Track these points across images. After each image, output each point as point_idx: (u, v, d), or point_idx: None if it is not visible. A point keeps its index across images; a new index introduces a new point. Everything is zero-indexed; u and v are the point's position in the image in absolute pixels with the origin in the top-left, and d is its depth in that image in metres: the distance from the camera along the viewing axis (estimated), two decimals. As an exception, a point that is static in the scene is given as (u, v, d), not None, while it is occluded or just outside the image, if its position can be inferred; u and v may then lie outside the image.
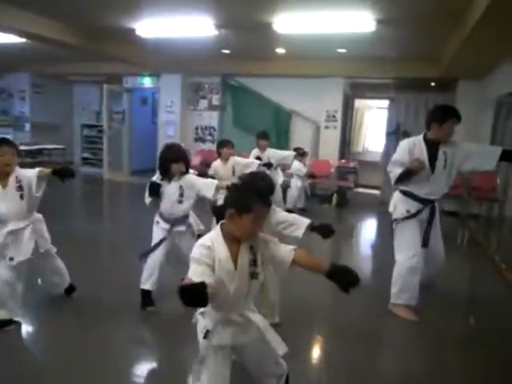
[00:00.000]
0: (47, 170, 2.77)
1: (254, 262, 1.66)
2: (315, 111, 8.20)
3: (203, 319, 1.72)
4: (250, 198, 1.59)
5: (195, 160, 7.90)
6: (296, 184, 6.78)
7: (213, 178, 3.57)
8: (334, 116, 8.12)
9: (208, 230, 1.72)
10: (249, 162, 4.59)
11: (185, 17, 5.23)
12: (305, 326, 2.99)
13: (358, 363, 2.59)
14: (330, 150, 8.16)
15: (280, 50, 7.02)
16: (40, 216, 2.88)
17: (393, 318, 3.15)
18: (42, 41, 6.12)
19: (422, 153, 3.05)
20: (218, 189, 2.94)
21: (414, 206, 3.13)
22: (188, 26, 5.54)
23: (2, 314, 2.68)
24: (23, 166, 2.80)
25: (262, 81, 8.47)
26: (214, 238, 1.64)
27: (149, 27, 5.76)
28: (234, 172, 4.29)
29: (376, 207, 7.54)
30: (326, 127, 8.18)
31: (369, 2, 4.26)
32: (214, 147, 8.88)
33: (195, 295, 1.36)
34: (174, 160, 2.93)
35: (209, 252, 1.58)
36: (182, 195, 2.98)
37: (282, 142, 8.21)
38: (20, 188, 2.67)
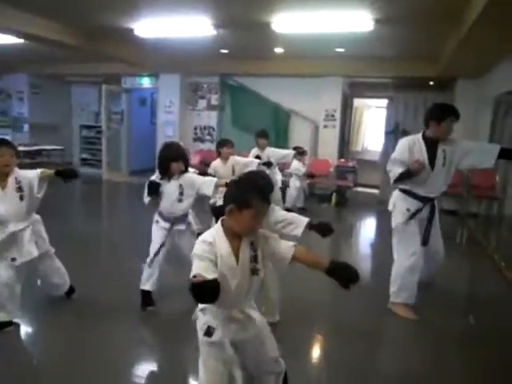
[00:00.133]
0: (49, 171, 2.77)
1: (254, 258, 1.67)
2: (314, 111, 8.21)
3: (203, 316, 1.72)
4: (249, 193, 1.59)
5: (194, 160, 7.91)
6: (295, 183, 6.79)
7: (213, 176, 3.57)
8: (332, 115, 8.12)
9: (207, 229, 1.72)
10: (248, 162, 4.59)
11: (183, 17, 5.22)
12: (304, 325, 2.99)
13: (357, 362, 2.59)
14: (328, 149, 8.16)
15: (278, 50, 7.02)
16: (38, 217, 2.88)
17: (392, 316, 3.16)
18: (40, 41, 6.11)
19: (422, 151, 3.05)
20: (217, 186, 2.94)
21: (413, 205, 3.13)
22: (186, 26, 5.54)
23: (1, 316, 2.68)
24: (22, 166, 2.80)
25: (261, 80, 8.47)
26: (215, 233, 1.64)
27: (147, 27, 5.75)
28: (233, 171, 4.29)
29: (375, 206, 7.54)
30: (325, 126, 8.19)
31: (367, 1, 4.26)
32: (213, 147, 8.91)
33: (207, 291, 1.41)
34: (173, 159, 2.93)
35: (211, 248, 1.59)
36: (181, 194, 2.98)
37: (281, 142, 8.20)
38: (20, 189, 2.67)
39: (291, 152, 5.51)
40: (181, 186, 2.97)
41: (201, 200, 3.14)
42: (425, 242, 3.16)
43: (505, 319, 3.30)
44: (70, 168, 2.94)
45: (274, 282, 2.76)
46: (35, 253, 2.74)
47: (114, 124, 10.02)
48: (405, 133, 6.85)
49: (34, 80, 10.53)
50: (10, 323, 2.71)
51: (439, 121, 2.99)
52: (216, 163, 4.44)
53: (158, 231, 3.05)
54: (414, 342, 2.92)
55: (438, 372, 2.51)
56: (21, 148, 7.87)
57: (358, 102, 9.63)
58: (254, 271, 1.67)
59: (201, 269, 1.51)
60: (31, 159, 8.70)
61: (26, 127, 10.57)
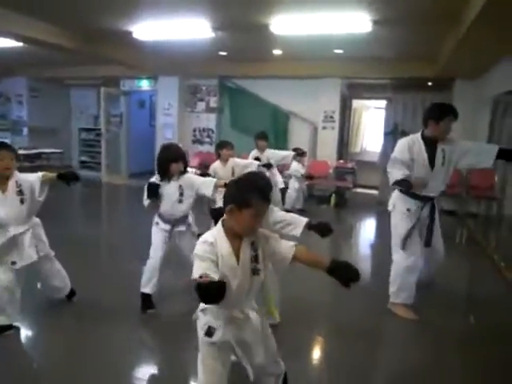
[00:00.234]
0: (51, 175, 2.79)
1: (255, 258, 1.67)
2: (313, 112, 8.22)
3: (204, 316, 1.72)
4: (249, 192, 1.60)
5: (193, 162, 7.91)
6: (294, 185, 6.79)
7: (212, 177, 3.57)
8: (331, 117, 8.13)
9: (206, 231, 1.72)
10: (248, 163, 4.59)
11: (182, 19, 5.23)
12: (305, 325, 2.99)
13: (358, 362, 2.59)
14: (327, 150, 8.17)
15: (277, 52, 7.03)
16: (38, 220, 2.88)
17: (392, 316, 3.16)
18: (39, 44, 6.11)
19: (421, 150, 3.05)
20: (216, 187, 2.94)
21: (413, 205, 3.13)
22: (185, 29, 5.55)
23: (1, 320, 2.68)
24: (21, 170, 2.80)
25: (260, 82, 8.48)
26: (216, 234, 1.65)
27: (146, 30, 5.77)
28: (233, 173, 4.29)
29: (374, 207, 7.55)
30: (324, 128, 8.20)
31: (365, 2, 4.27)
32: (212, 149, 8.93)
33: (214, 292, 1.43)
34: (173, 159, 2.93)
35: (212, 248, 1.60)
36: (181, 194, 2.98)
37: (280, 143, 8.21)
38: (20, 192, 2.67)
39: (291, 153, 5.52)
40: (180, 186, 2.98)
41: (200, 201, 3.14)
42: (427, 242, 3.16)
43: (505, 319, 3.30)
44: (72, 171, 2.95)
45: (274, 283, 2.76)
46: (35, 256, 2.75)
47: (113, 127, 10.02)
48: (404, 133, 6.85)
49: (32, 83, 10.54)
50: (10, 327, 2.70)
51: (438, 120, 2.99)
52: (216, 165, 4.44)
53: (158, 233, 3.05)
54: (414, 342, 2.92)
55: (438, 372, 2.51)
56: (20, 151, 7.87)
57: (356, 103, 9.64)
58: (255, 271, 1.67)
59: (204, 269, 1.52)
60: (30, 162, 8.70)
61: (25, 130, 10.58)
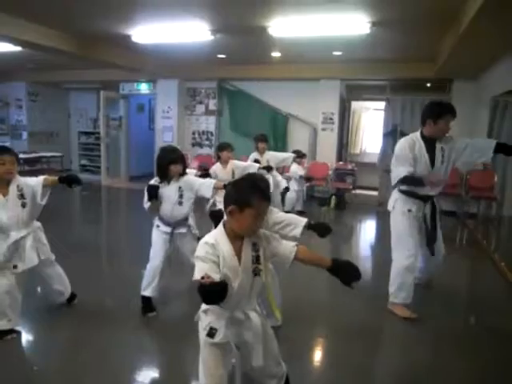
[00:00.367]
0: (53, 178, 2.79)
1: (257, 259, 1.68)
2: (312, 114, 8.23)
3: (206, 316, 1.72)
4: (249, 192, 1.61)
5: (193, 165, 7.90)
6: (294, 187, 6.79)
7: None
8: (330, 118, 8.14)
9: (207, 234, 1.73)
10: (248, 166, 4.60)
11: (180, 22, 5.25)
12: (305, 327, 2.99)
13: (359, 362, 2.58)
14: (327, 152, 8.18)
15: (276, 54, 7.05)
16: (39, 224, 2.88)
17: (392, 317, 3.15)
18: (37, 49, 6.13)
19: (421, 149, 3.03)
20: (216, 188, 2.94)
21: (414, 205, 3.12)
22: (184, 32, 5.57)
23: (3, 324, 2.67)
24: (21, 174, 2.80)
25: (259, 85, 8.50)
26: (218, 235, 1.66)
27: (145, 33, 5.78)
28: (233, 175, 4.30)
29: (374, 208, 7.56)
30: (323, 130, 8.21)
31: (363, 4, 4.28)
32: (211, 152, 8.96)
33: (216, 293, 1.44)
34: (172, 161, 2.93)
35: (213, 249, 1.61)
36: (181, 196, 2.98)
37: (280, 146, 8.24)
38: (22, 196, 2.67)
39: (291, 155, 5.53)
40: (180, 188, 2.98)
41: (199, 203, 3.14)
42: (432, 239, 3.16)
43: (505, 319, 3.30)
44: (74, 174, 2.96)
45: (275, 284, 2.76)
46: (36, 260, 2.75)
47: (113, 130, 10.05)
48: (403, 134, 6.77)
49: (32, 88, 10.57)
50: (11, 331, 2.70)
51: (436, 119, 2.97)
52: (216, 167, 4.45)
53: (159, 236, 3.05)
54: (415, 342, 2.91)
55: (438, 372, 2.51)
56: (20, 155, 7.85)
57: (355, 105, 9.65)
58: (257, 272, 1.68)
59: (206, 270, 1.52)
60: (30, 166, 8.70)
61: (25, 135, 10.60)
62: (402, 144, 3.11)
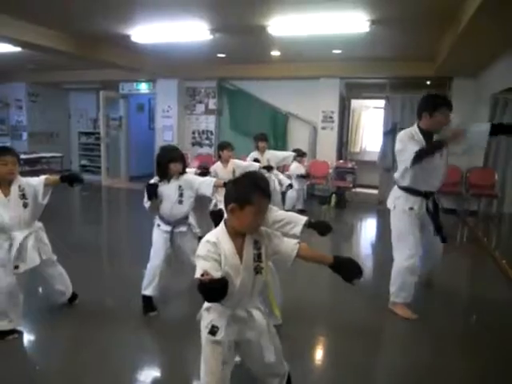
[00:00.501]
0: (54, 177, 2.80)
1: (258, 257, 1.68)
2: (312, 112, 8.23)
3: (208, 314, 1.72)
4: (249, 189, 1.61)
5: (194, 165, 7.91)
6: (294, 185, 6.79)
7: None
8: (330, 117, 8.14)
9: (207, 233, 1.73)
10: (249, 165, 4.60)
11: (180, 22, 5.25)
12: (306, 325, 2.99)
13: (360, 361, 2.59)
14: (327, 150, 8.18)
15: (275, 53, 7.04)
16: (40, 224, 2.89)
17: (393, 316, 3.15)
18: (37, 49, 6.13)
19: (421, 142, 2.98)
20: (216, 186, 2.94)
21: (416, 202, 3.08)
22: (183, 31, 5.57)
23: (4, 325, 2.68)
24: (22, 174, 2.80)
25: (258, 84, 8.50)
26: (219, 233, 1.66)
27: (144, 33, 5.78)
28: (234, 175, 4.31)
29: (375, 207, 7.56)
30: (323, 128, 8.21)
31: (362, 2, 4.28)
32: (211, 151, 8.97)
33: (216, 290, 1.45)
34: (171, 159, 2.93)
35: (215, 248, 1.61)
36: (181, 195, 2.98)
37: (280, 144, 8.24)
38: (23, 196, 2.68)
39: (291, 154, 5.53)
40: (180, 187, 2.98)
41: (199, 202, 3.14)
42: (439, 228, 3.13)
43: (506, 317, 3.30)
44: (75, 173, 2.97)
45: (276, 284, 2.76)
46: (38, 260, 2.75)
47: (113, 130, 10.05)
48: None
49: (31, 88, 10.57)
50: (12, 331, 2.70)
51: (432, 111, 2.94)
52: (216, 166, 4.45)
53: (159, 235, 3.05)
54: (415, 341, 2.91)
55: (439, 371, 2.51)
56: (20, 156, 7.85)
57: (355, 103, 9.64)
58: (258, 270, 1.68)
59: (207, 269, 1.53)
60: (31, 167, 8.69)
61: (25, 135, 10.61)
62: (402, 135, 3.06)
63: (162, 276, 3.07)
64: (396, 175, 3.18)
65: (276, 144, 8.15)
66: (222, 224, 1.69)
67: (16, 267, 2.66)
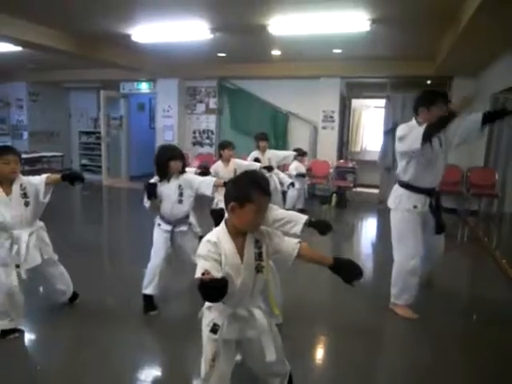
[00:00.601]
0: (56, 176, 2.81)
1: (259, 256, 1.68)
2: (312, 112, 8.22)
3: (210, 313, 1.73)
4: (249, 187, 1.61)
5: (194, 164, 7.91)
6: (295, 184, 6.79)
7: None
8: (331, 116, 8.14)
9: (208, 232, 1.73)
10: (249, 165, 4.60)
11: (180, 21, 5.25)
12: (307, 325, 3.00)
13: (361, 361, 2.59)
14: (328, 150, 8.18)
15: (275, 52, 7.04)
16: (42, 223, 2.89)
17: (394, 316, 3.15)
18: (37, 48, 6.13)
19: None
20: (216, 186, 2.94)
21: (419, 200, 3.05)
22: (183, 31, 5.56)
23: (5, 324, 2.68)
24: (22, 174, 2.81)
25: (259, 83, 8.50)
26: (220, 233, 1.66)
27: (144, 32, 5.78)
28: (235, 174, 4.31)
29: (375, 206, 7.56)
30: (324, 128, 8.20)
31: (363, 1, 4.28)
32: (212, 151, 8.97)
33: (216, 289, 1.44)
34: (171, 157, 2.93)
35: (215, 247, 1.61)
36: (181, 194, 2.98)
37: (280, 144, 8.24)
38: (25, 195, 2.69)
39: (292, 153, 5.54)
40: (180, 186, 2.98)
41: (199, 201, 3.15)
42: (440, 229, 3.13)
43: (506, 317, 3.30)
44: (76, 171, 2.98)
45: (276, 283, 2.76)
46: (39, 259, 2.76)
47: (113, 129, 10.05)
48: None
49: (32, 88, 10.57)
50: (13, 330, 2.71)
51: (429, 105, 2.95)
52: (217, 165, 4.45)
53: (160, 234, 3.05)
54: (416, 341, 2.91)
55: (439, 371, 2.51)
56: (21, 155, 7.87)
57: (356, 103, 9.64)
58: (259, 269, 1.68)
59: (207, 268, 1.53)
60: (31, 166, 8.72)
61: (26, 135, 10.61)
62: (403, 129, 3.02)
63: (163, 275, 3.07)
64: (398, 170, 3.16)
65: (276, 143, 8.15)
66: (222, 223, 1.69)
67: (17, 266, 2.67)
